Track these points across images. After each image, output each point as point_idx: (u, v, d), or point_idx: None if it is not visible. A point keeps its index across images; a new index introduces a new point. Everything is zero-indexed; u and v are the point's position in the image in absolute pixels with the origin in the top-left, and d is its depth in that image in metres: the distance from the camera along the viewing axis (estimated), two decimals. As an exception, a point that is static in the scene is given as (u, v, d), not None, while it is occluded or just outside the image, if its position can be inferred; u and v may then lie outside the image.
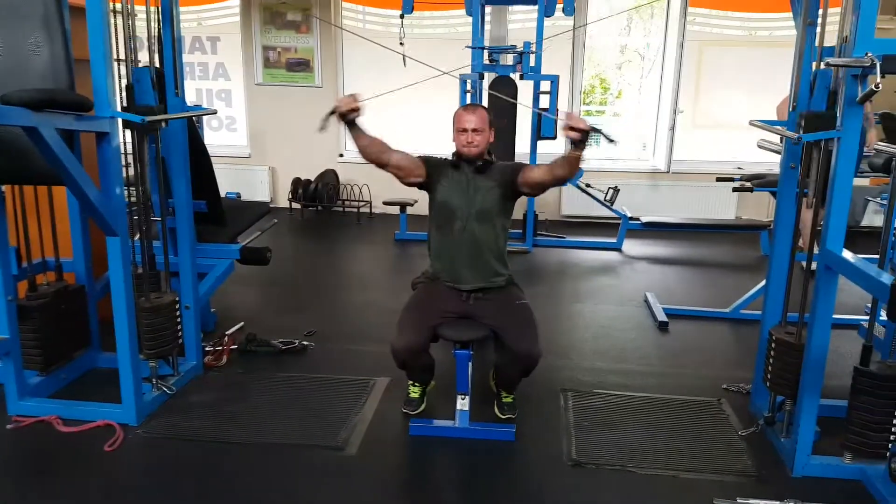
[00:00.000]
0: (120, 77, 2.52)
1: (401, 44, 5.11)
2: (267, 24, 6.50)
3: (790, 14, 2.54)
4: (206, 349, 3.34)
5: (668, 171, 5.58)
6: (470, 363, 2.52)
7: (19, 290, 2.78)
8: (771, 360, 2.40)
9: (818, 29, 2.30)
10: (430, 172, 2.57)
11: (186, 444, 2.48)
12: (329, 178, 6.52)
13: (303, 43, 6.50)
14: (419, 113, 6.32)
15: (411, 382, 2.75)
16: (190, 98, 6.83)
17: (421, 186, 2.61)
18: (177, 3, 2.80)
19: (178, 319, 2.87)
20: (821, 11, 2.29)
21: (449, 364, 2.63)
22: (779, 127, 2.34)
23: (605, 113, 11.99)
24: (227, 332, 3.51)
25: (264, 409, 2.75)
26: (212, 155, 6.37)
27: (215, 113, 3.17)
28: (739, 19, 6.25)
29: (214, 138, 6.80)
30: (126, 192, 2.57)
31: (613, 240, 5.53)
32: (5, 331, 2.57)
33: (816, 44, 2.29)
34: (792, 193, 2.49)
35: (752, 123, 2.50)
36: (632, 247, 5.54)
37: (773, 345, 2.40)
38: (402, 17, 5.24)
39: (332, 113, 2.44)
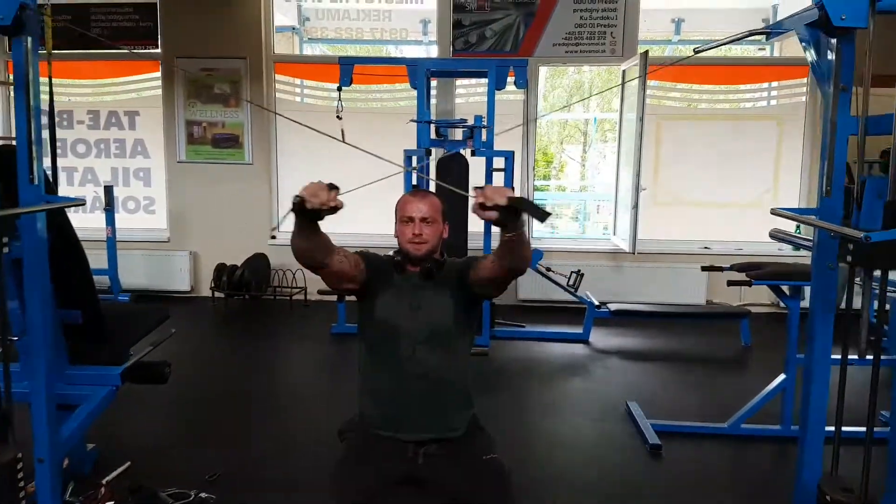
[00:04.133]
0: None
1: (338, 118, 4.61)
2: (192, 97, 5.90)
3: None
4: (73, 507, 2.54)
5: (632, 252, 5.11)
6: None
7: None
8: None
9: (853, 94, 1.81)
10: (370, 278, 1.92)
11: None
12: (258, 264, 5.80)
13: (231, 118, 5.90)
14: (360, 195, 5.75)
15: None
16: (104, 177, 6.12)
17: (353, 293, 1.96)
18: (35, 67, 2.13)
19: (20, 484, 2.07)
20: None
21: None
22: (828, 224, 1.79)
23: (550, 187, 11.77)
24: (103, 481, 2.69)
25: None
26: (126, 240, 5.69)
27: (82, 204, 2.47)
28: (698, 91, 6.00)
29: (130, 222, 6.04)
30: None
31: (579, 329, 4.95)
32: None
33: (854, 112, 1.79)
34: (829, 298, 1.94)
35: (774, 212, 1.97)
36: (600, 337, 4.96)
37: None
38: (339, 90, 4.75)
39: (298, 208, 1.55)
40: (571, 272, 4.95)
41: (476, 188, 1.53)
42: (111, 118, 6.09)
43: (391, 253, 1.98)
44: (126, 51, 5.75)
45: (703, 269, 4.46)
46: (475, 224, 4.86)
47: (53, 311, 2.61)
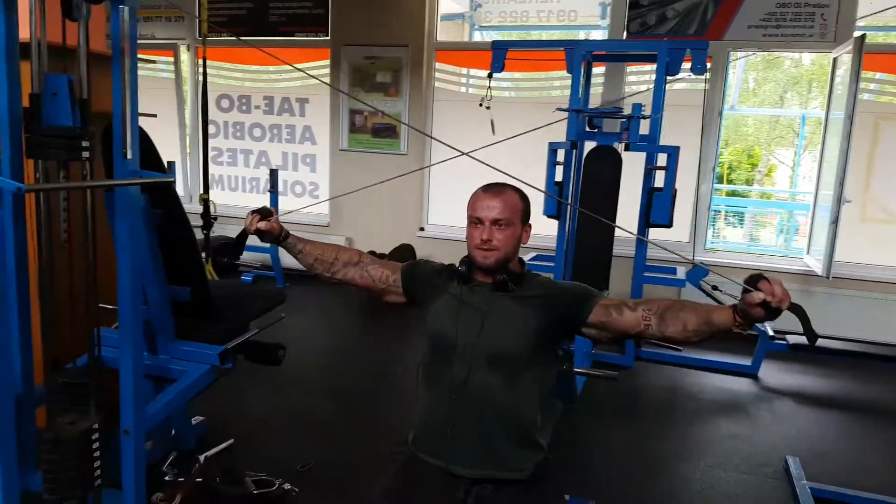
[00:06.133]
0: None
1: (488, 107, 4.36)
2: (355, 85, 5.99)
3: None
4: (166, 479, 2.56)
5: (826, 276, 4.25)
6: None
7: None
8: None
9: None
10: (414, 293, 1.69)
11: None
12: (404, 254, 5.74)
13: (391, 107, 5.89)
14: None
15: None
16: (275, 161, 6.45)
17: (404, 305, 1.70)
18: (133, 40, 2.11)
19: (95, 453, 2.08)
20: None
21: None
22: None
23: (751, 193, 10.47)
24: (202, 456, 2.71)
25: None
26: (290, 222, 5.92)
27: (171, 181, 2.43)
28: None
29: (295, 205, 6.32)
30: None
31: (748, 361, 4.22)
32: None
33: None
34: None
35: None
36: (772, 374, 4.19)
37: None
38: (489, 76, 4.47)
39: (244, 237, 1.95)
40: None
41: (760, 278, 1.30)
42: (284, 104, 6.39)
43: (458, 261, 1.67)
44: (296, 38, 5.97)
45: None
46: (623, 246, 4.33)
47: (163, 286, 2.67)
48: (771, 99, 11.26)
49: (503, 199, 1.59)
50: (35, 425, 2.32)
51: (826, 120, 4.92)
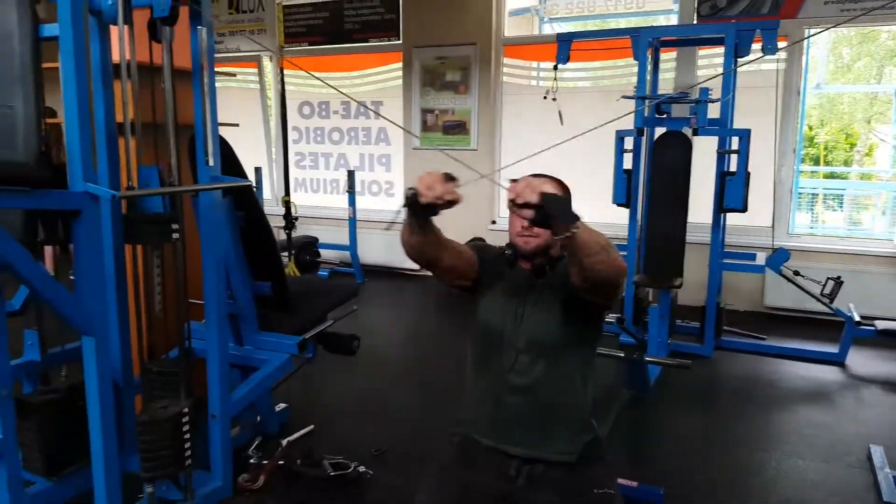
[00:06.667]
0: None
1: (554, 99, 4.38)
2: (426, 85, 6.14)
3: None
4: (251, 462, 2.77)
5: (919, 259, 4.01)
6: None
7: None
8: None
9: None
10: (482, 274, 1.74)
11: None
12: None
13: (460, 104, 6.00)
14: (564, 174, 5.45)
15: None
16: (353, 162, 6.71)
17: (465, 289, 1.78)
18: (210, 54, 2.31)
19: (186, 434, 2.30)
20: None
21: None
22: None
23: (850, 175, 9.85)
24: (284, 441, 2.92)
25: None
26: (367, 220, 6.18)
27: (249, 185, 2.62)
28: None
29: (371, 203, 6.55)
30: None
31: (834, 349, 4.05)
32: (-3, 429, 2.21)
33: None
34: None
35: None
36: (861, 361, 3.99)
37: None
38: (555, 68, 4.48)
39: (412, 202, 1.47)
40: (828, 278, 4.05)
41: (511, 181, 1.25)
42: (360, 108, 6.63)
43: (504, 245, 1.74)
44: (370, 44, 6.18)
45: None
46: (700, 232, 4.20)
47: (246, 282, 2.89)
48: (866, 74, 10.54)
49: (545, 187, 1.65)
50: (134, 413, 2.60)
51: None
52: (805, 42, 4.97)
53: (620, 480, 2.48)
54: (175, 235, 2.18)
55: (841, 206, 8.44)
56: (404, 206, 1.49)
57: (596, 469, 1.64)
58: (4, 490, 2.22)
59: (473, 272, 1.73)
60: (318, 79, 5.60)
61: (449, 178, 1.41)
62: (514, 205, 1.34)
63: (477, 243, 1.82)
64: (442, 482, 1.67)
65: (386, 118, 6.26)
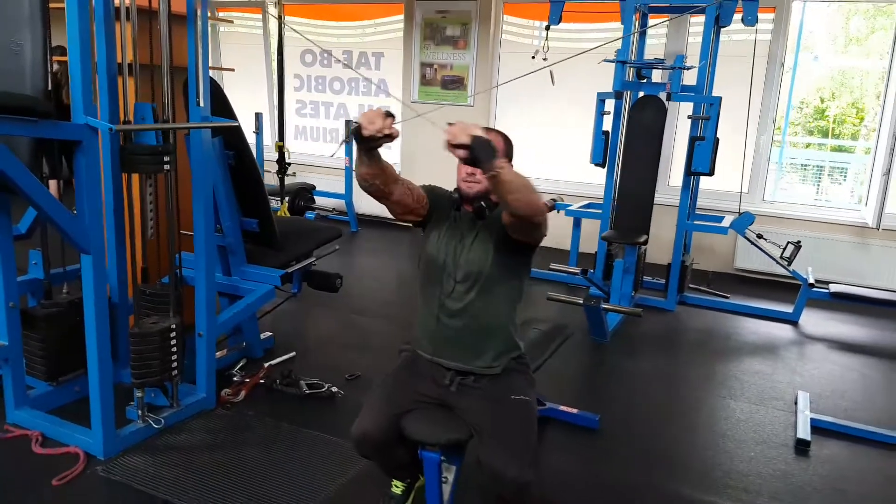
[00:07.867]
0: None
1: (544, 59, 4.52)
2: (426, 39, 6.26)
3: None
4: (234, 380, 3.06)
5: (877, 228, 4.19)
6: (449, 474, 1.87)
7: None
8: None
9: None
10: (431, 213, 1.99)
11: (137, 497, 2.17)
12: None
13: (459, 59, 6.14)
14: (554, 133, 5.69)
15: (392, 476, 2.15)
16: (353, 113, 6.87)
17: (416, 224, 2.03)
18: (204, 4, 2.51)
19: (173, 348, 2.58)
20: None
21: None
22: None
23: (855, 149, 9.91)
24: (266, 364, 3.21)
25: (241, 467, 2.39)
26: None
27: (236, 125, 2.83)
28: None
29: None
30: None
31: (790, 309, 4.30)
32: (4, 337, 2.49)
33: None
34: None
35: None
36: (814, 322, 4.25)
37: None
38: (547, 28, 4.61)
39: (355, 134, 1.64)
40: (788, 242, 4.27)
41: (448, 123, 1.48)
42: (361, 58, 6.76)
43: (452, 189, 1.98)
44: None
45: None
46: (673, 194, 4.33)
47: (234, 217, 3.14)
48: (880, 49, 10.47)
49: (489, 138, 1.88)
50: (127, 330, 2.87)
51: (890, 67, 4.81)
52: (797, 14, 5.06)
53: (562, 406, 2.78)
54: (167, 167, 2.42)
55: (845, 179, 8.57)
56: (348, 138, 1.71)
57: (516, 380, 1.91)
58: (10, 392, 2.54)
59: (423, 209, 1.97)
60: (297, 32, 5.72)
61: (388, 114, 1.61)
62: (449, 145, 1.56)
63: (429, 185, 2.04)
64: (393, 386, 1.95)
65: (364, 77, 6.37)
